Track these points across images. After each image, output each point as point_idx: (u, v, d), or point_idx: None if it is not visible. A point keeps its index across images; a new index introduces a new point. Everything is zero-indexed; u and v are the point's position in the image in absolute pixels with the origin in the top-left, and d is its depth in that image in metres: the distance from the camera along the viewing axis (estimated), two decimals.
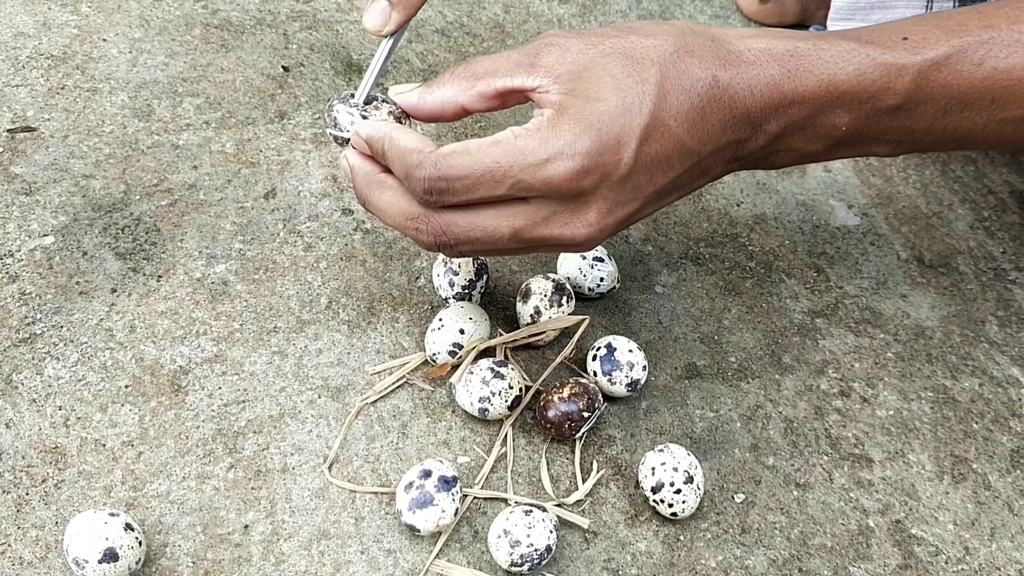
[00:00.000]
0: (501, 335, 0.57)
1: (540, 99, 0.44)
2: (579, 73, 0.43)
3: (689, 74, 0.43)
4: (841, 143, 0.48)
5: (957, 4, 0.68)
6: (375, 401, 0.55)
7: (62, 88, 0.67)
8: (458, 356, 0.55)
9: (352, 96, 0.49)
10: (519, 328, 0.58)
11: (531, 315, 0.57)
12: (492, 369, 0.53)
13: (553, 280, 0.58)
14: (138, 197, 0.62)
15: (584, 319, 0.57)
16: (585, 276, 0.59)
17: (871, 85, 0.45)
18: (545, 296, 0.57)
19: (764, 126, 0.46)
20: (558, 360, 0.57)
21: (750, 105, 0.45)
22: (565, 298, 0.57)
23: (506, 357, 0.56)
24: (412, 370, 0.56)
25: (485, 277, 0.58)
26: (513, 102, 0.46)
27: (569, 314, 0.58)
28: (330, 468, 0.52)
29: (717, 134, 0.45)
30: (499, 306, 0.60)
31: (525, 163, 0.42)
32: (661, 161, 0.44)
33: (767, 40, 0.45)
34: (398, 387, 0.56)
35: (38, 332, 0.55)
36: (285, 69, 0.71)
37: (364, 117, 0.48)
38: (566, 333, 0.58)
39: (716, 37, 0.45)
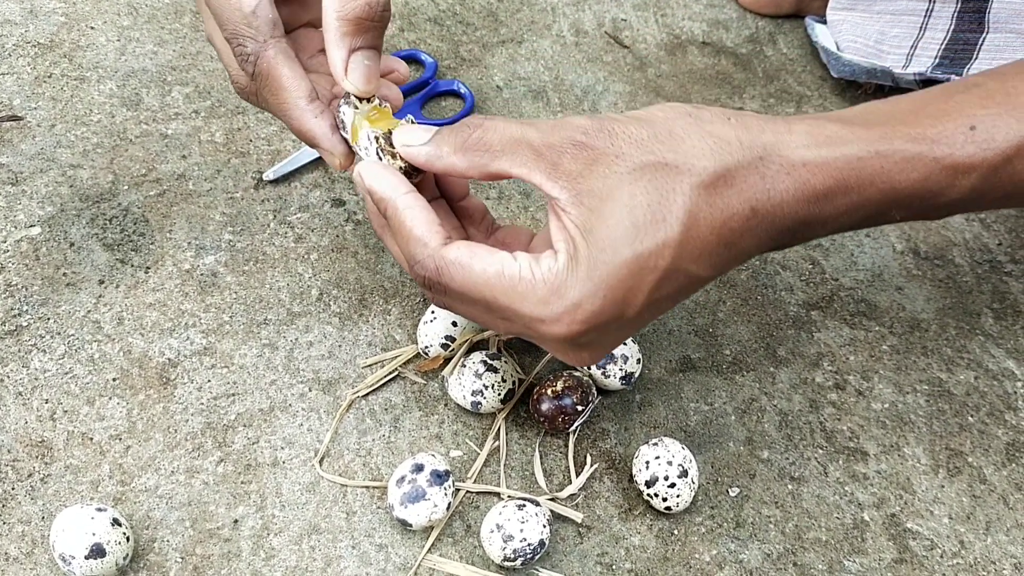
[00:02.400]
0: None
1: (556, 214, 0.40)
2: (601, 201, 0.39)
3: (724, 208, 0.39)
4: (884, 222, 0.45)
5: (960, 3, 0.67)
6: (366, 394, 0.54)
7: (49, 76, 0.66)
8: (451, 349, 0.54)
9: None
10: None
11: None
12: (485, 362, 0.53)
13: None
14: (126, 187, 0.61)
15: None
16: None
17: (935, 187, 0.42)
18: None
19: (808, 233, 0.42)
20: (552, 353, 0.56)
21: (793, 220, 0.41)
22: None
23: (499, 350, 0.56)
24: (404, 363, 0.56)
25: None
26: None
27: None
28: (321, 462, 0.51)
29: (747, 254, 0.41)
30: None
31: (522, 312, 0.40)
32: (671, 296, 0.41)
33: (827, 149, 0.41)
34: (390, 380, 0.55)
35: (24, 324, 0.54)
36: None
37: (356, 107, 0.46)
38: None
39: (767, 150, 0.40)
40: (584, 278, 0.38)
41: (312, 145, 0.47)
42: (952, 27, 0.70)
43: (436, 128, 0.43)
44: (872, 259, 0.66)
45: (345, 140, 0.47)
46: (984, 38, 0.69)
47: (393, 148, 0.45)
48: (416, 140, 0.43)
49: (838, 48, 0.73)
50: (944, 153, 0.41)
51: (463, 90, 0.70)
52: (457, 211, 0.49)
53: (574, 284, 0.39)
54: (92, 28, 0.70)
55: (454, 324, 0.54)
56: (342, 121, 0.46)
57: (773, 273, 0.64)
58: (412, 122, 0.46)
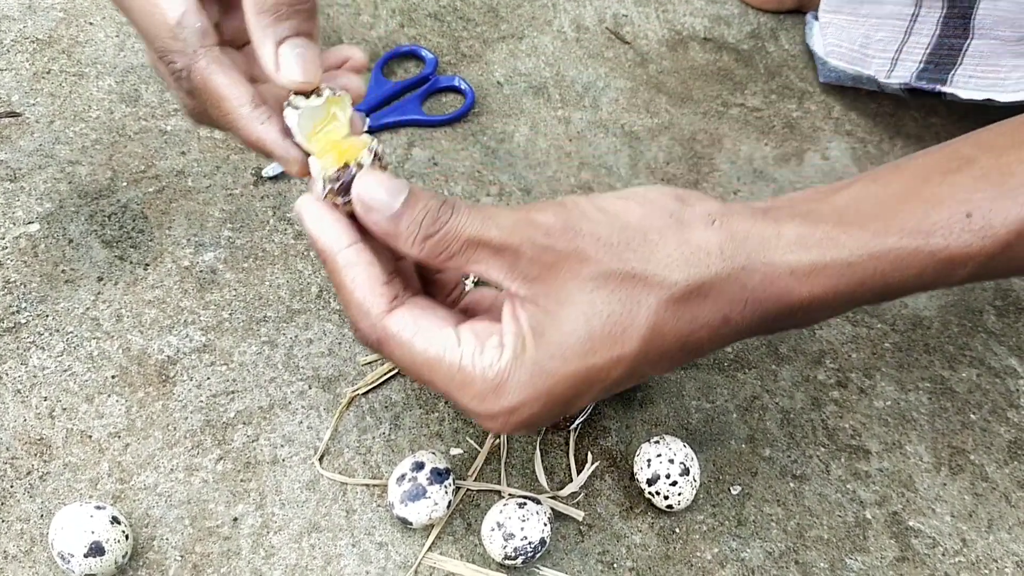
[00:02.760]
0: None
1: (510, 302, 0.38)
2: (558, 304, 0.37)
3: (692, 319, 0.37)
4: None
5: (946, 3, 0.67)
6: (366, 392, 0.54)
7: (47, 72, 0.66)
8: None
9: (309, 96, 0.41)
10: None
11: None
12: None
13: None
14: (125, 184, 0.61)
15: None
16: None
17: (929, 280, 0.40)
18: None
19: (786, 327, 0.41)
20: None
21: (767, 327, 0.39)
22: None
23: None
24: None
25: None
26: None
27: None
28: (321, 460, 0.51)
29: (710, 349, 0.39)
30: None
31: (459, 400, 0.38)
32: (618, 385, 0.39)
33: (817, 253, 0.38)
34: (390, 378, 0.55)
35: (23, 321, 0.54)
36: None
37: (296, 108, 0.40)
38: None
39: (751, 257, 0.38)
40: (526, 383, 0.37)
41: (265, 155, 0.42)
42: (937, 32, 0.70)
43: (405, 187, 0.39)
44: None
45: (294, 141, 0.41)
46: (969, 44, 0.69)
47: (345, 197, 0.40)
48: (379, 204, 0.38)
49: (824, 53, 0.73)
50: (940, 246, 0.39)
51: (463, 86, 0.69)
52: (427, 281, 0.46)
53: (515, 387, 0.37)
54: (91, 24, 0.70)
55: None
56: (289, 126, 0.41)
57: None
58: (369, 148, 0.41)
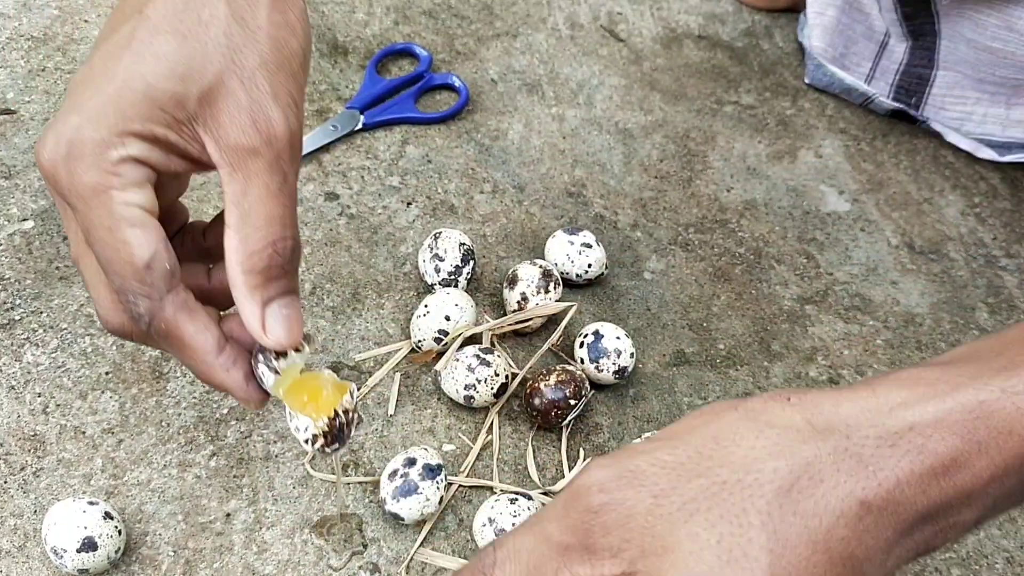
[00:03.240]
0: (488, 322, 0.57)
1: None
2: (658, 556, 0.30)
3: (819, 513, 0.29)
4: None
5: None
6: (365, 396, 0.54)
7: (42, 70, 0.66)
8: (444, 343, 0.54)
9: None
10: (506, 315, 0.57)
11: (518, 301, 0.56)
12: (478, 356, 0.53)
13: (540, 266, 0.57)
14: None
15: (571, 306, 0.56)
16: (573, 262, 0.59)
17: None
18: (532, 282, 0.56)
19: (956, 517, 0.32)
20: (545, 347, 0.56)
21: (924, 508, 0.31)
22: (552, 284, 0.57)
23: (492, 344, 0.56)
24: (399, 362, 0.56)
25: (471, 263, 0.58)
26: None
27: (556, 301, 0.57)
28: (312, 460, 0.51)
29: (878, 564, 0.31)
30: (485, 292, 0.60)
31: None
32: None
33: (935, 402, 0.31)
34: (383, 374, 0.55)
35: (17, 318, 0.54)
36: None
37: (277, 372, 0.40)
38: (553, 320, 0.57)
39: (851, 425, 0.31)
40: None
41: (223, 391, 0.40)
42: (905, 60, 0.71)
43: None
44: (867, 253, 0.66)
45: (261, 385, 0.40)
46: (935, 74, 0.70)
47: (335, 446, 0.40)
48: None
49: (814, 53, 0.74)
50: None
51: (458, 84, 0.69)
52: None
53: None
54: (86, 21, 0.70)
55: (447, 319, 0.54)
56: (261, 378, 0.40)
57: (767, 267, 0.64)
58: (350, 392, 0.41)
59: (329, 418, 0.39)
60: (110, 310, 0.39)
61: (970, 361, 0.33)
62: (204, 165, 0.38)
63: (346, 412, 0.40)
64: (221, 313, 0.41)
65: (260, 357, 0.39)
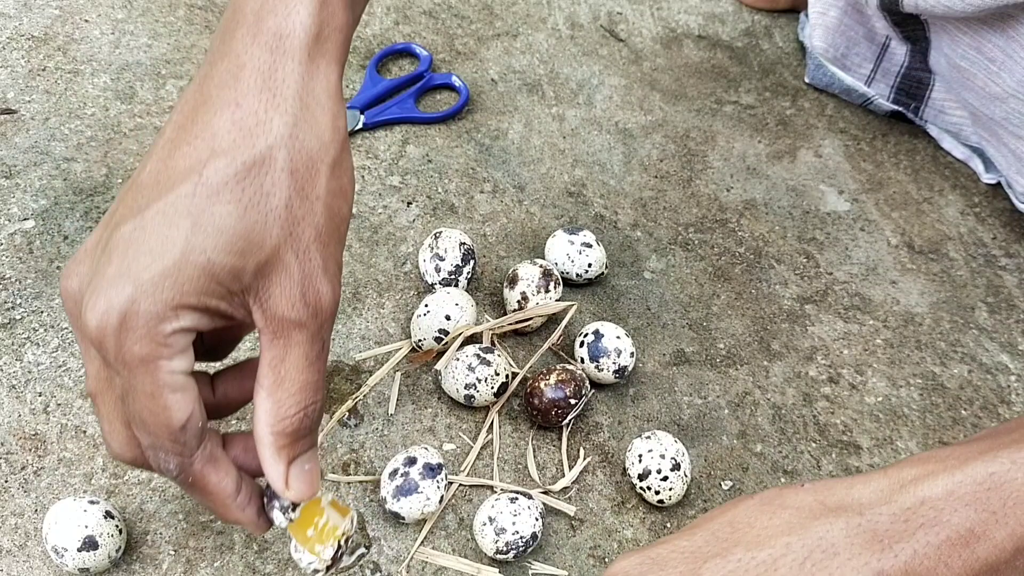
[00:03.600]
0: (488, 321, 0.57)
1: None
2: None
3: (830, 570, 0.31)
4: None
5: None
6: (366, 395, 0.54)
7: (43, 70, 0.66)
8: (444, 342, 0.54)
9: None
10: (506, 314, 0.57)
11: (518, 301, 0.57)
12: (478, 355, 0.53)
13: (541, 266, 0.57)
14: (120, 180, 0.61)
15: (572, 305, 0.56)
16: (573, 262, 0.59)
17: None
18: (532, 282, 0.56)
19: None
20: (545, 347, 0.56)
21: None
22: (552, 284, 0.57)
23: (492, 344, 0.56)
24: (399, 361, 0.56)
25: (472, 263, 0.58)
26: None
27: (556, 300, 0.57)
28: None
29: None
30: (485, 292, 0.60)
31: None
32: None
33: (945, 478, 0.32)
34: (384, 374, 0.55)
35: (17, 317, 0.54)
36: None
37: (291, 520, 0.40)
38: (553, 320, 0.58)
39: (865, 503, 0.32)
40: None
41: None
42: (906, 63, 0.71)
43: None
44: (866, 253, 0.66)
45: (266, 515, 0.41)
46: (934, 78, 0.70)
47: (340, 564, 0.41)
48: None
49: (815, 52, 0.74)
50: None
51: (458, 83, 0.70)
52: None
53: None
54: (86, 21, 0.70)
55: (447, 318, 0.54)
56: (272, 517, 0.41)
57: (767, 267, 0.64)
58: (350, 518, 0.42)
59: (334, 551, 0.41)
60: (124, 446, 0.38)
61: (983, 439, 0.33)
62: (242, 326, 0.38)
63: (347, 539, 0.41)
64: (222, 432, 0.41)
65: (275, 503, 0.40)
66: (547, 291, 0.57)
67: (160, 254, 0.33)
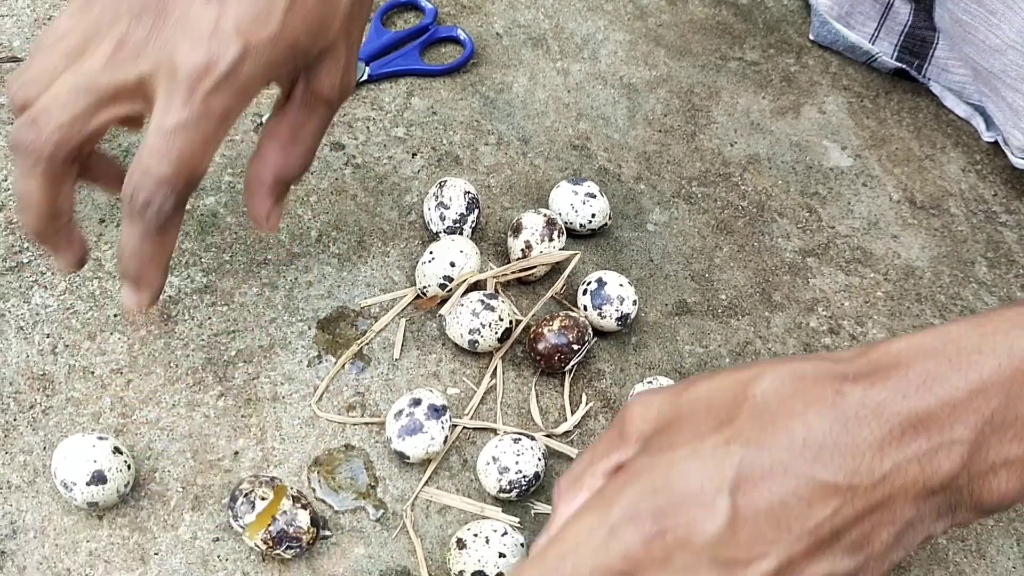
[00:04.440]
0: (492, 269, 0.57)
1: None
2: (662, 427, 0.36)
3: (802, 395, 0.34)
4: None
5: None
6: (364, 331, 0.55)
7: (48, 19, 0.66)
8: (448, 289, 0.55)
9: None
10: (510, 263, 0.58)
11: (522, 249, 0.57)
12: (482, 301, 0.53)
13: (545, 215, 0.57)
14: (126, 129, 0.61)
15: (575, 254, 0.57)
16: (577, 212, 0.59)
17: None
18: (536, 231, 0.57)
19: (946, 433, 0.33)
20: (548, 295, 0.57)
21: (907, 413, 0.33)
22: (556, 233, 0.57)
23: (496, 290, 0.56)
24: (404, 308, 0.56)
25: (476, 212, 0.58)
26: None
27: (560, 249, 0.57)
28: (319, 400, 0.52)
29: (870, 457, 0.33)
30: (490, 242, 0.60)
31: (590, 549, 0.33)
32: (784, 507, 0.32)
33: (907, 339, 0.35)
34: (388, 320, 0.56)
35: (25, 261, 0.55)
36: None
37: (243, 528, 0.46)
38: (556, 269, 0.58)
39: (841, 358, 0.35)
40: (638, 475, 0.35)
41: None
42: (910, 21, 0.71)
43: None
44: (868, 208, 0.66)
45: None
46: (938, 36, 0.70)
47: (280, 547, 0.45)
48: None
49: (820, 8, 0.74)
50: None
51: (463, 36, 0.70)
52: None
53: (627, 485, 0.35)
54: None
55: (452, 265, 0.54)
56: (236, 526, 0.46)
57: (770, 220, 0.64)
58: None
59: (264, 530, 0.45)
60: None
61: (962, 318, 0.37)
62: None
63: (287, 510, 0.45)
64: None
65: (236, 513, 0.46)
66: (551, 240, 0.57)
67: (265, 23, 0.41)
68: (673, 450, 0.34)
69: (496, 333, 0.53)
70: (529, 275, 0.57)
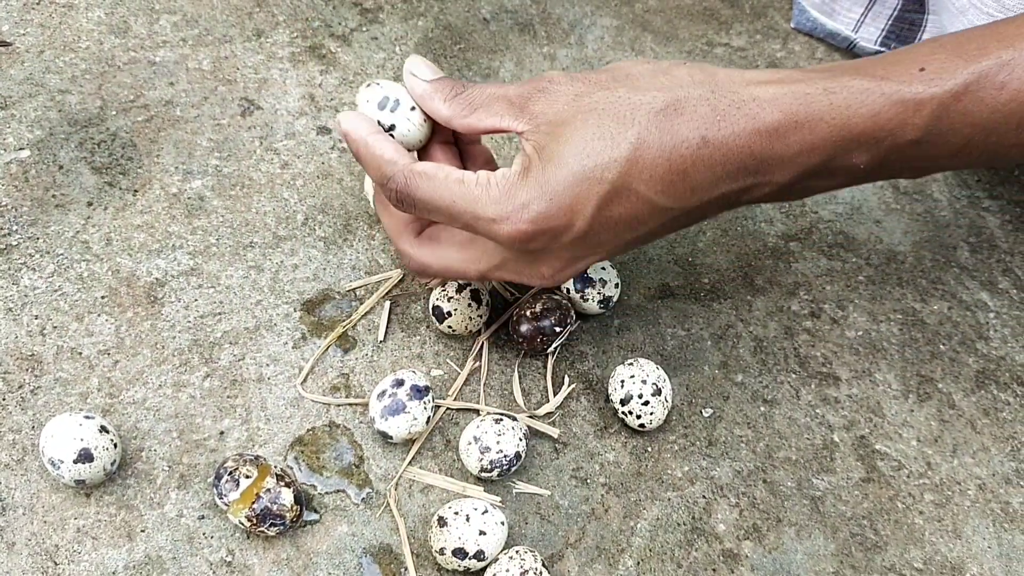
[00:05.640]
0: None
1: (521, 144, 0.44)
2: (557, 127, 0.43)
3: (673, 135, 0.41)
4: (863, 178, 0.46)
5: None
6: (350, 314, 0.55)
7: (38, 3, 0.67)
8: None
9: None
10: None
11: None
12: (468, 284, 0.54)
13: None
14: (114, 113, 0.61)
15: None
16: None
17: (887, 123, 0.42)
18: None
19: (769, 176, 0.43)
20: (534, 289, 0.57)
21: (748, 157, 0.42)
22: None
23: None
24: (389, 290, 0.57)
25: None
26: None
27: None
28: (303, 382, 0.53)
29: (705, 188, 0.43)
30: None
31: (476, 214, 0.43)
32: (627, 220, 0.43)
33: (775, 88, 0.42)
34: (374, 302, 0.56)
35: (14, 243, 0.55)
36: None
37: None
38: None
39: (719, 85, 0.43)
40: (533, 184, 0.42)
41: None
42: (899, 5, 0.71)
43: (440, 74, 0.47)
44: (852, 192, 0.67)
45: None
46: (926, 19, 0.70)
47: (265, 524, 0.47)
48: (421, 74, 0.47)
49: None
50: (892, 89, 0.42)
51: None
52: (464, 154, 0.52)
53: (522, 188, 0.43)
54: None
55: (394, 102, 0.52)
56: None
57: (754, 205, 0.65)
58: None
59: (248, 508, 0.46)
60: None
61: (826, 68, 0.44)
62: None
63: (271, 488, 0.46)
64: None
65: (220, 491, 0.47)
66: None
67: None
68: (562, 166, 0.42)
69: (482, 316, 0.54)
70: None
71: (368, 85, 0.48)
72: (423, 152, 0.50)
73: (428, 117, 0.48)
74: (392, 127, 0.48)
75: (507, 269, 0.47)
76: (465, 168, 0.51)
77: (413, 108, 0.47)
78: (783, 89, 0.42)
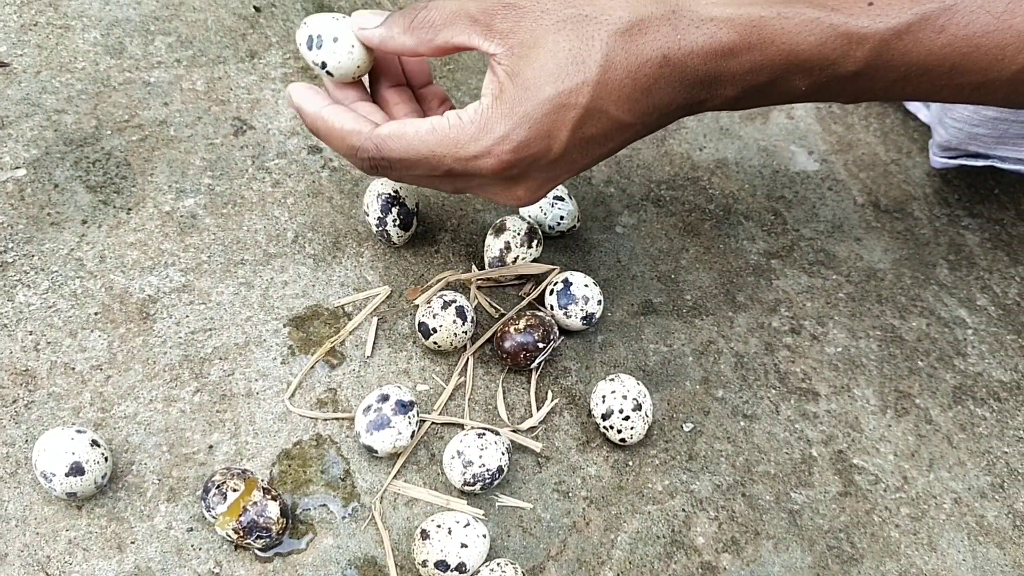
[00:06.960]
0: (473, 271, 0.59)
1: (491, 66, 0.45)
2: (528, 48, 0.44)
3: (638, 54, 0.43)
4: (802, 98, 0.48)
5: None
6: (344, 339, 0.57)
7: (35, 24, 0.68)
8: (427, 284, 0.56)
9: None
10: (484, 259, 0.59)
11: (501, 249, 0.58)
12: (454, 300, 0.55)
13: (528, 221, 0.59)
14: (109, 132, 0.63)
15: (554, 269, 0.58)
16: (546, 214, 0.61)
17: (831, 53, 0.45)
18: (518, 234, 0.58)
19: (720, 90, 0.46)
20: (525, 302, 0.58)
21: (703, 73, 0.45)
22: (536, 242, 0.59)
23: (473, 292, 0.58)
24: (377, 307, 0.58)
25: (395, 210, 0.59)
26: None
27: (538, 256, 0.59)
28: (291, 396, 0.54)
29: (665, 104, 0.46)
30: (463, 243, 0.62)
31: (457, 155, 0.45)
32: (597, 139, 0.46)
33: (733, 9, 0.45)
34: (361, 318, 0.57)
35: (9, 260, 0.56)
36: (256, 9, 0.72)
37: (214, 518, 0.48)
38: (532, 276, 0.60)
39: (679, 5, 0.45)
40: (508, 113, 0.44)
41: None
42: None
43: (388, 13, 0.48)
44: (833, 211, 0.68)
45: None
46: None
47: (252, 536, 0.48)
48: (370, 23, 0.47)
49: None
50: (840, 21, 0.44)
51: None
52: (418, 97, 0.53)
53: (499, 119, 0.44)
54: None
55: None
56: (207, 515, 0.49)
57: (736, 223, 0.66)
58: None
59: (235, 520, 0.47)
60: None
61: None
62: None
63: (258, 501, 0.48)
64: None
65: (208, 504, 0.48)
66: (530, 246, 0.59)
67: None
68: (538, 91, 0.43)
69: (467, 333, 0.55)
70: (503, 277, 0.59)
71: (299, 27, 0.49)
72: (378, 99, 0.51)
73: (357, 43, 0.48)
74: (324, 64, 0.48)
75: (484, 190, 0.48)
76: (423, 112, 0.53)
77: (336, 39, 0.48)
78: (740, 11, 0.44)
